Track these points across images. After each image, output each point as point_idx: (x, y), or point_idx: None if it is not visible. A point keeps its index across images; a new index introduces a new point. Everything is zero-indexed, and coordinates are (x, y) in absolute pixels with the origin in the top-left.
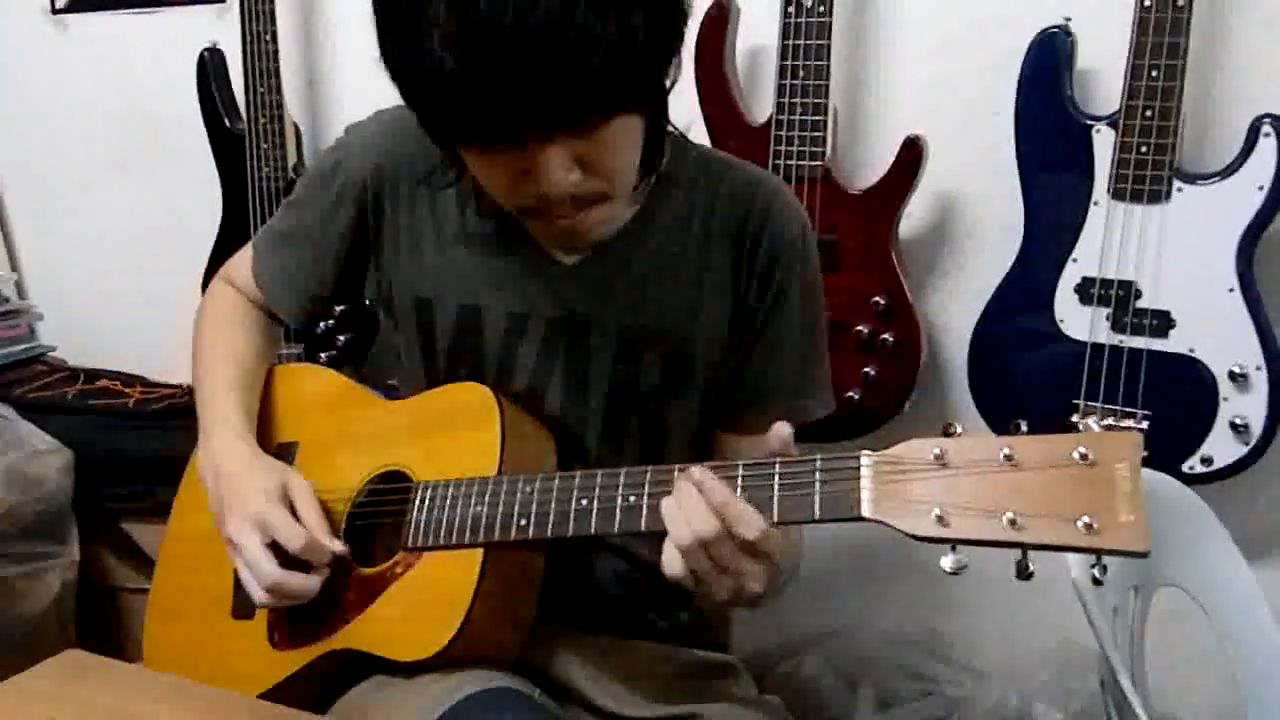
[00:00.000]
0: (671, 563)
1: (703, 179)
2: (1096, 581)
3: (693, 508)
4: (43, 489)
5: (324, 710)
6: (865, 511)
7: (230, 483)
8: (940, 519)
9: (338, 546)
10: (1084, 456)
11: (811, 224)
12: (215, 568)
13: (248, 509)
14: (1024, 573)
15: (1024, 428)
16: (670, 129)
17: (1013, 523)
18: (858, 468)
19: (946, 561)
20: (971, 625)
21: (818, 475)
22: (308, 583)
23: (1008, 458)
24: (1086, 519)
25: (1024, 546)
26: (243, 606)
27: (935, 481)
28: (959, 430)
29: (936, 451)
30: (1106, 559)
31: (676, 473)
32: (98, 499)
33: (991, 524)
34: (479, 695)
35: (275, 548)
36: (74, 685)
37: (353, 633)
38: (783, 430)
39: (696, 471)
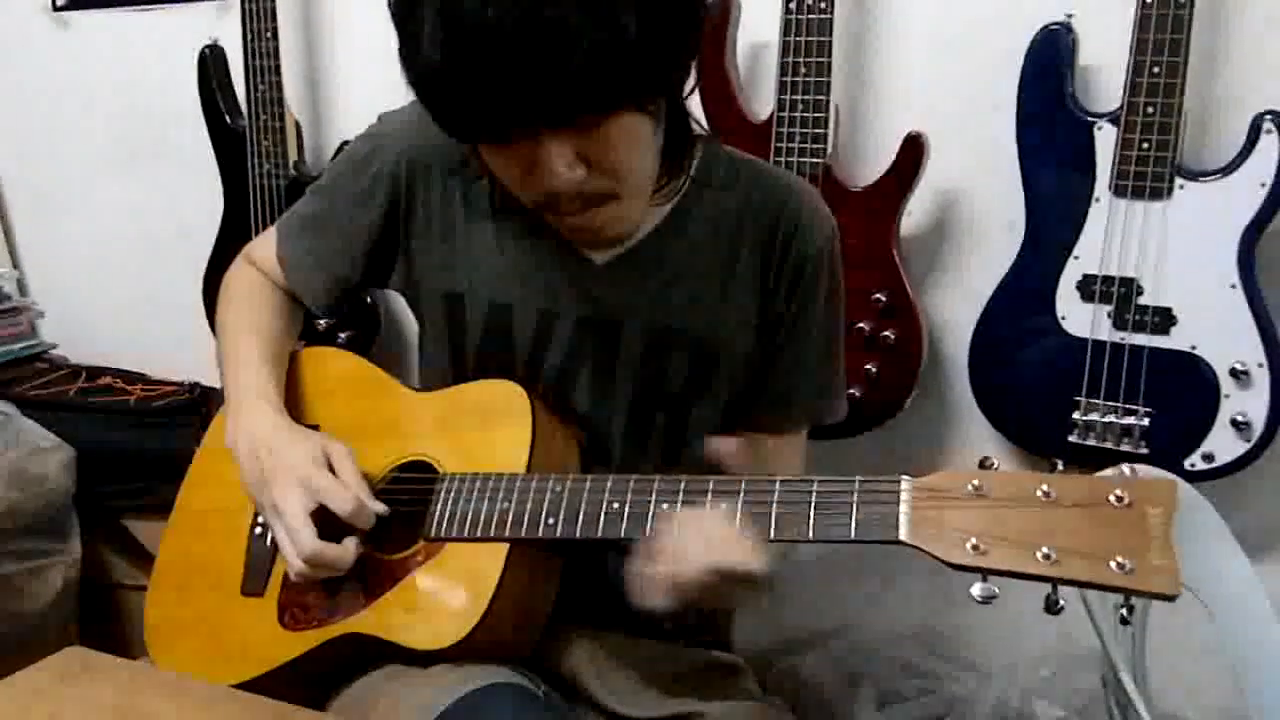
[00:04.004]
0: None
1: (734, 183)
2: (1125, 621)
3: (698, 537)
4: (44, 486)
5: (327, 696)
6: (903, 536)
7: (272, 452)
8: (976, 549)
9: (379, 507)
10: (1120, 499)
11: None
12: (226, 542)
13: (293, 474)
14: (1054, 607)
15: (1060, 466)
16: (699, 132)
17: (1047, 557)
18: (897, 492)
19: (976, 589)
20: (972, 623)
21: (856, 497)
22: (344, 554)
23: (1045, 494)
24: (1120, 559)
25: (1057, 581)
26: (252, 583)
27: (973, 512)
28: (996, 464)
29: (975, 483)
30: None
31: (713, 483)
32: (99, 496)
33: (1026, 557)
34: (483, 690)
35: (313, 518)
36: (75, 682)
37: (367, 618)
38: (726, 445)
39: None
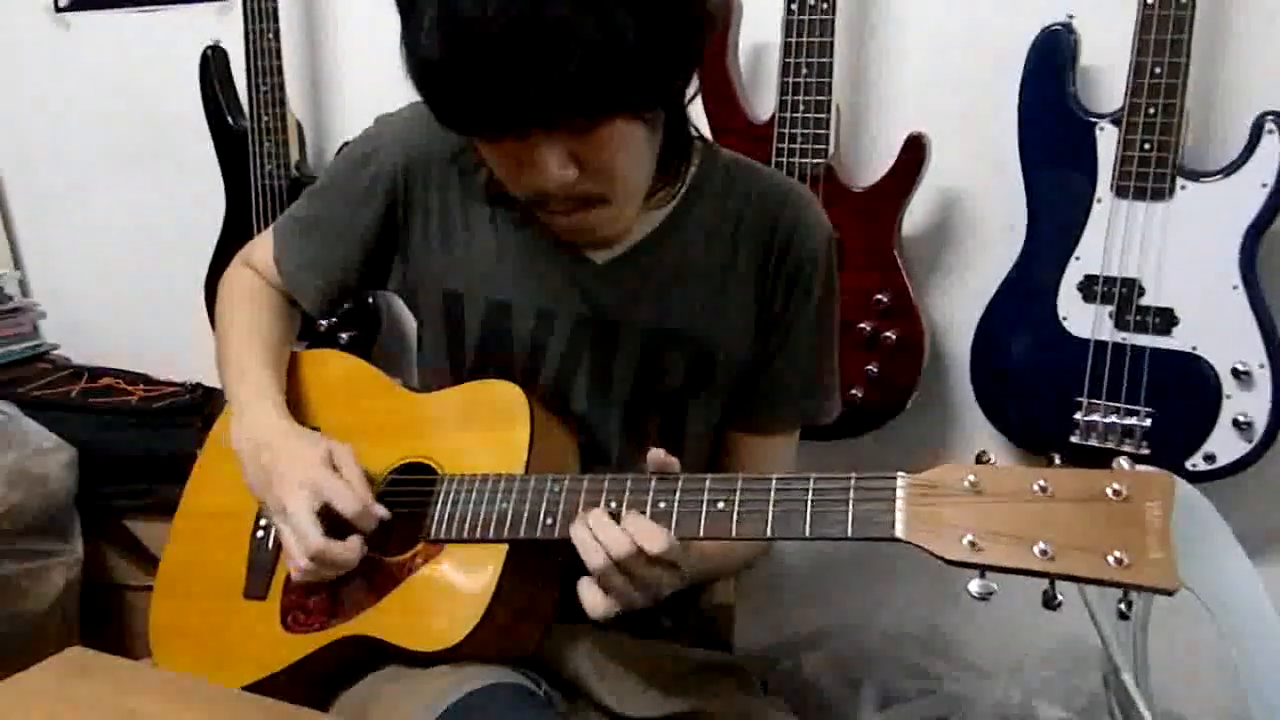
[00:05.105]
0: (589, 591)
1: (733, 186)
2: (1123, 615)
3: (605, 531)
4: (46, 487)
5: (330, 697)
6: (899, 533)
7: (276, 452)
8: (973, 545)
9: (382, 511)
10: (1117, 493)
11: (836, 232)
12: (228, 546)
13: (299, 474)
14: (1051, 602)
15: (1057, 460)
16: (696, 136)
17: (1044, 553)
18: (893, 489)
19: (974, 586)
20: (974, 623)
21: (851, 494)
22: (350, 552)
23: (1042, 489)
24: (1117, 554)
25: (1054, 576)
26: (255, 586)
27: (969, 508)
28: (993, 459)
29: (971, 479)
30: (1132, 594)
31: (708, 480)
32: (101, 497)
33: (1023, 552)
34: (484, 690)
35: (320, 518)
36: (77, 683)
37: (369, 620)
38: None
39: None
